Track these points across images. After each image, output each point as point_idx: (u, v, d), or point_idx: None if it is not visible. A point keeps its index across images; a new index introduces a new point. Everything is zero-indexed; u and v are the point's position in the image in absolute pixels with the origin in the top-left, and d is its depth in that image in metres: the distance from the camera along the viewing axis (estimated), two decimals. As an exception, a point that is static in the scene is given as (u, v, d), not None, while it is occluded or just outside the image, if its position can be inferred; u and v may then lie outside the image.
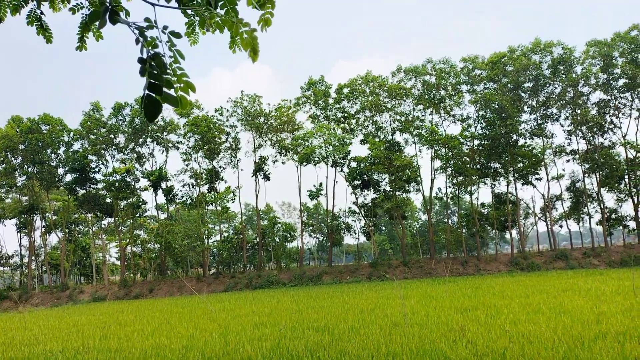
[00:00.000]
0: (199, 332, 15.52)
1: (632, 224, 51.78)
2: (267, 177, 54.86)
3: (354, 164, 53.67)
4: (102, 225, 61.66)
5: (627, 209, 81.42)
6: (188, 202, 55.31)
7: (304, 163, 51.84)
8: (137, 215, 56.21)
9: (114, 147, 53.79)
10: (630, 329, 10.96)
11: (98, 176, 54.27)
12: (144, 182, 53.81)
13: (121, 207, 54.42)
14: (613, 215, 53.13)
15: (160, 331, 16.69)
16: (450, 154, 51.42)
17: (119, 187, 52.53)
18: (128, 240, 56.01)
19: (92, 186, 54.16)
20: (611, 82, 49.02)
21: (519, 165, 51.69)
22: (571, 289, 22.17)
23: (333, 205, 55.06)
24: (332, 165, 53.04)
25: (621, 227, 53.11)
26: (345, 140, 51.35)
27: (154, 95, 3.13)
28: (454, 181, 53.47)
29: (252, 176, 54.58)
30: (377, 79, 52.15)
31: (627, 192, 51.13)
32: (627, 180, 50.70)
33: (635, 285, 20.21)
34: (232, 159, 54.91)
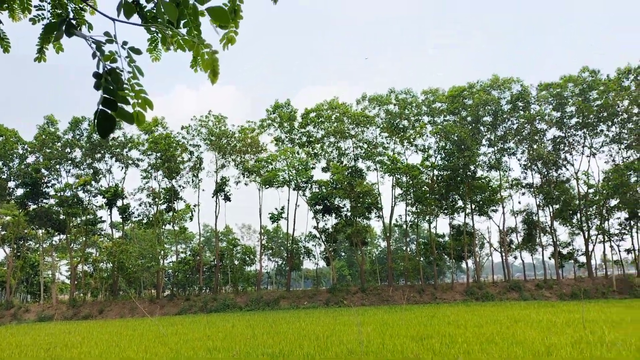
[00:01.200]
0: (149, 356, 15.00)
1: (582, 258, 53.31)
2: (227, 198, 54.29)
3: (316, 188, 53.68)
4: (53, 242, 59.41)
5: (579, 242, 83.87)
6: (144, 221, 54.00)
7: (267, 186, 51.60)
8: (92, 233, 54.48)
9: (69, 162, 52.27)
10: (578, 361, 11.18)
11: (51, 191, 52.49)
12: (100, 199, 52.26)
13: (75, 224, 52.65)
14: (565, 250, 54.59)
15: (108, 354, 16.07)
16: (410, 182, 52.13)
17: (71, 203, 50.88)
18: (79, 259, 54.09)
19: (44, 201, 52.28)
20: (565, 120, 51.03)
21: (476, 197, 52.74)
22: (523, 319, 22.57)
23: (294, 229, 54.76)
24: (294, 189, 52.99)
25: (572, 261, 54.63)
26: (309, 164, 51.46)
27: (108, 111, 3.06)
28: (414, 209, 54.08)
29: (213, 196, 53.92)
30: (341, 106, 52.75)
31: (578, 227, 52.76)
32: (579, 215, 52.38)
33: (585, 317, 20.75)
34: (194, 178, 54.18)
